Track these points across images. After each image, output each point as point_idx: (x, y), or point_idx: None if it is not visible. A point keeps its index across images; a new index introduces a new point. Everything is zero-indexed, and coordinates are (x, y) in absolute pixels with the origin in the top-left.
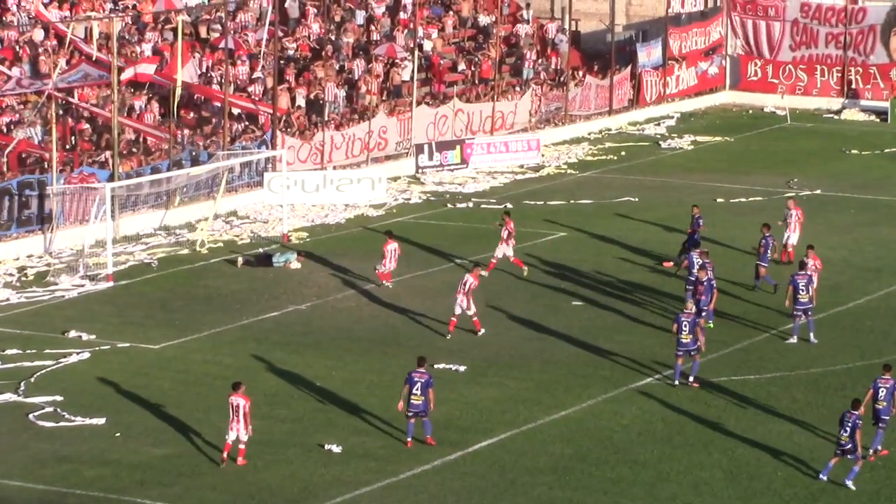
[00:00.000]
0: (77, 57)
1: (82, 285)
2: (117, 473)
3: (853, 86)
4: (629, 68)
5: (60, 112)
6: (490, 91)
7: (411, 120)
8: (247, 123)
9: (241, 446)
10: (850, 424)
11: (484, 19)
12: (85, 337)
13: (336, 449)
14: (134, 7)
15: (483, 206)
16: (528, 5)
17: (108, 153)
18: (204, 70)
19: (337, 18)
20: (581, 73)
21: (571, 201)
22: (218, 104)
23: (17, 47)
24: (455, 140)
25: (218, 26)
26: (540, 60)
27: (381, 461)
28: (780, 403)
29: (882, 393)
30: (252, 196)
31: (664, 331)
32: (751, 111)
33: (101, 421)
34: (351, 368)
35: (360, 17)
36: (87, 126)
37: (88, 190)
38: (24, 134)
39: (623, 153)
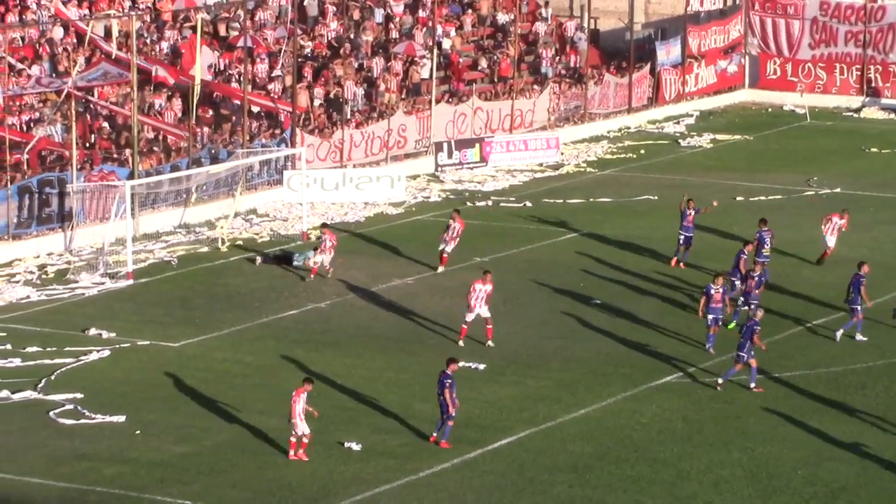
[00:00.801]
0: (97, 55)
1: (102, 283)
2: (137, 471)
3: (873, 84)
4: (648, 66)
5: (80, 110)
6: (509, 89)
7: (430, 118)
8: (266, 122)
9: (306, 440)
10: None
11: (503, 17)
12: (105, 335)
13: (356, 447)
14: (154, 6)
15: (502, 204)
16: (546, 3)
17: (127, 151)
18: (222, 68)
19: (356, 17)
20: (600, 71)
21: (591, 199)
22: (237, 102)
23: (38, 46)
24: (474, 138)
25: (237, 25)
26: (559, 58)
27: (400, 459)
28: (799, 402)
29: None
30: (271, 194)
31: (684, 329)
32: (770, 109)
33: (121, 419)
34: (370, 366)
35: (379, 15)
36: (105, 124)
37: (108, 188)
38: (44, 132)
39: (642, 151)
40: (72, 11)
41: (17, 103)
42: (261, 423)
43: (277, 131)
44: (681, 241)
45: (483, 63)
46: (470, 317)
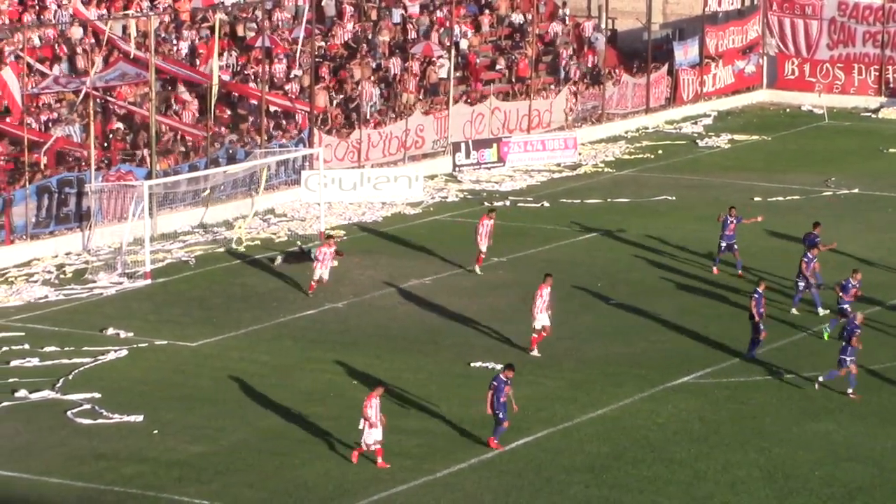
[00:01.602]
0: (115, 55)
1: (120, 283)
2: (155, 471)
3: (891, 84)
4: (666, 67)
5: (98, 110)
6: (526, 90)
7: (448, 118)
8: (283, 122)
9: (379, 446)
10: None
11: (519, 17)
12: (123, 334)
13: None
14: (172, 6)
15: (520, 204)
16: (564, 3)
17: (145, 151)
18: (239, 68)
19: (374, 17)
20: (618, 71)
21: (608, 200)
22: (255, 102)
23: (55, 46)
24: (492, 138)
25: (254, 25)
26: (577, 59)
27: (417, 459)
28: (816, 402)
29: None
30: (289, 194)
31: (702, 329)
32: (788, 110)
33: (139, 418)
34: (387, 367)
35: (397, 15)
36: (121, 125)
37: (126, 188)
38: (62, 132)
39: (660, 152)
40: (91, 12)
41: (36, 103)
42: (278, 422)
43: (295, 131)
44: (722, 248)
45: (501, 63)
46: (538, 323)
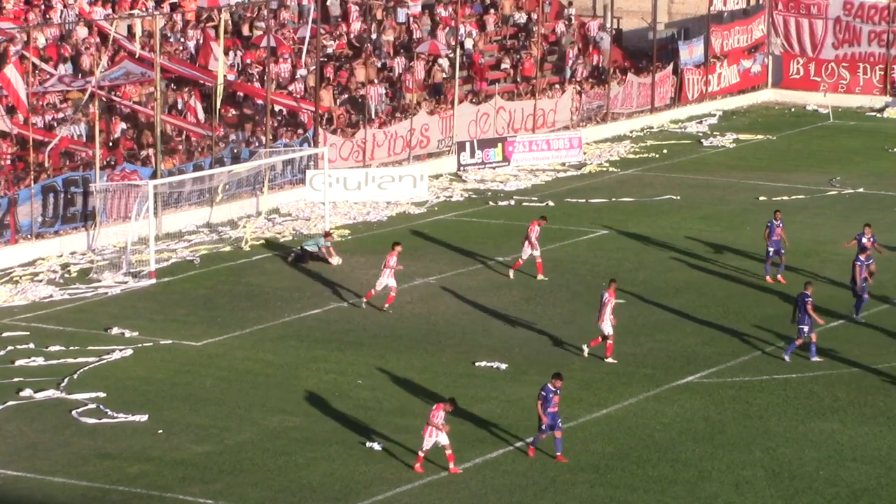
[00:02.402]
0: (120, 54)
1: (125, 282)
2: (160, 470)
3: None
4: (671, 66)
5: (104, 109)
6: (531, 89)
7: (453, 118)
8: (287, 120)
9: (448, 451)
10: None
11: (523, 17)
12: (127, 334)
13: (377, 447)
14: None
15: (525, 203)
16: (570, 3)
17: (150, 150)
18: (243, 67)
19: (379, 16)
20: (623, 70)
21: (613, 199)
22: (260, 102)
23: (59, 45)
24: (497, 138)
25: (260, 24)
26: (582, 58)
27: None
28: (822, 402)
29: None
30: (294, 193)
31: (707, 328)
32: (793, 109)
33: (144, 418)
34: (392, 366)
35: (402, 14)
36: (125, 124)
37: (131, 187)
38: (67, 131)
39: (665, 151)
40: (97, 11)
41: (41, 102)
42: (283, 422)
43: (300, 131)
44: (770, 254)
45: (506, 63)
46: (607, 329)
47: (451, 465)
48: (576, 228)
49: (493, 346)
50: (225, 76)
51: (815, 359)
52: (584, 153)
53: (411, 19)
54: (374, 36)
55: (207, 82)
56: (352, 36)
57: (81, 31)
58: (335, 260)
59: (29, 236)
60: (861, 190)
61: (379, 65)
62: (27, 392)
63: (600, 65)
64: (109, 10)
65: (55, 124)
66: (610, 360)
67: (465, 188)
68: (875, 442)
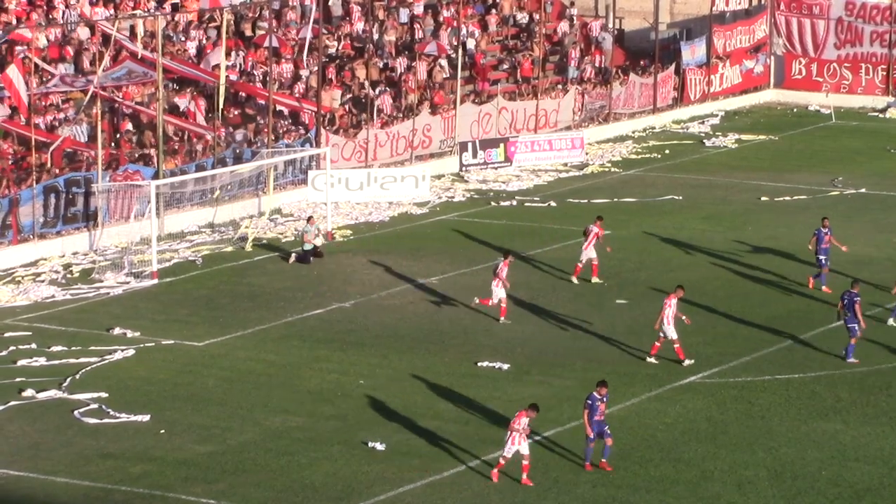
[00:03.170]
0: (122, 55)
1: (127, 282)
2: (162, 470)
3: None
4: (673, 66)
5: (106, 110)
6: (533, 89)
7: (455, 118)
8: (290, 121)
9: (525, 461)
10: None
11: (523, 17)
12: (129, 334)
13: (380, 447)
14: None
15: (527, 204)
16: (572, 3)
17: (152, 151)
18: (244, 67)
19: (381, 17)
20: (625, 71)
21: (615, 199)
22: (262, 102)
23: (61, 46)
24: (499, 138)
25: (263, 24)
26: (584, 59)
27: (424, 459)
28: (824, 402)
29: None
30: (296, 194)
31: (709, 329)
32: (795, 109)
33: (146, 418)
34: (395, 366)
35: (404, 15)
36: (130, 126)
37: (133, 187)
38: (69, 132)
39: (667, 151)
40: (99, 12)
41: (43, 103)
42: (285, 422)
43: (302, 131)
44: (823, 263)
45: (506, 63)
46: (671, 333)
47: (524, 476)
48: (578, 229)
49: (496, 347)
50: (227, 76)
51: (852, 360)
52: (587, 153)
53: (413, 20)
54: (375, 36)
55: (209, 82)
56: (353, 36)
57: (83, 32)
58: (319, 240)
59: (31, 236)
60: (863, 190)
61: (381, 65)
62: (29, 392)
63: (602, 65)
64: (111, 11)
65: (57, 124)
66: (687, 361)
67: (467, 188)
68: (878, 442)
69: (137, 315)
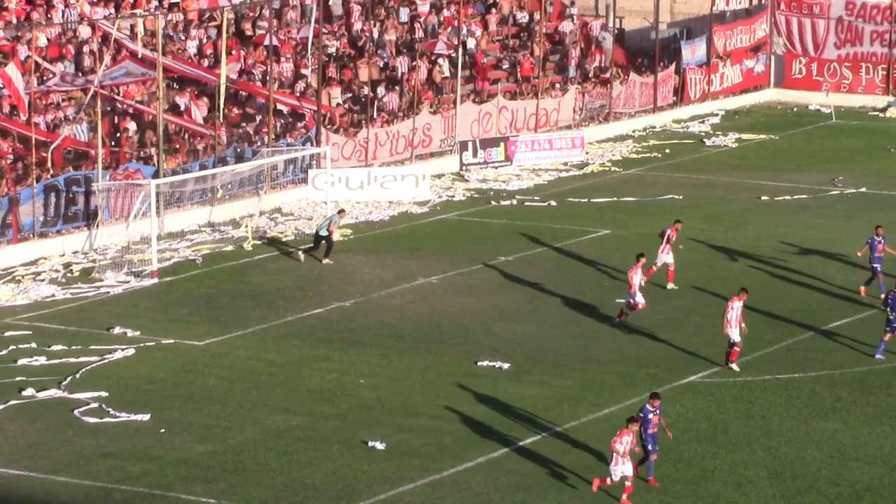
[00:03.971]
0: (122, 54)
1: (127, 282)
2: (162, 469)
3: None
4: (673, 66)
5: (106, 109)
6: (533, 88)
7: (455, 117)
8: (290, 121)
9: (628, 482)
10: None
11: (523, 16)
12: (130, 333)
13: (380, 446)
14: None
15: (527, 203)
16: (572, 3)
17: (152, 150)
18: (245, 67)
19: (381, 16)
20: (625, 70)
21: (615, 199)
22: (262, 101)
23: (61, 45)
24: (499, 137)
25: (263, 23)
26: (584, 58)
27: (424, 458)
28: (824, 402)
29: None
30: (296, 193)
31: (709, 328)
32: (795, 109)
33: (146, 417)
34: (395, 366)
35: (405, 14)
36: (132, 125)
37: (134, 187)
38: (69, 131)
39: (667, 151)
40: (99, 11)
41: (44, 102)
42: (285, 421)
43: (303, 130)
44: (878, 270)
45: (507, 62)
46: (732, 337)
47: (625, 497)
48: (578, 228)
49: (496, 346)
50: (227, 76)
51: (880, 356)
52: (587, 153)
53: (413, 19)
54: (376, 35)
55: (210, 81)
56: (355, 35)
57: (84, 31)
58: (336, 235)
59: (31, 235)
60: (863, 190)
61: (381, 64)
62: (29, 391)
63: (602, 64)
64: (111, 11)
65: (58, 123)
66: (733, 366)
67: (468, 188)
68: (878, 441)
69: (137, 314)
